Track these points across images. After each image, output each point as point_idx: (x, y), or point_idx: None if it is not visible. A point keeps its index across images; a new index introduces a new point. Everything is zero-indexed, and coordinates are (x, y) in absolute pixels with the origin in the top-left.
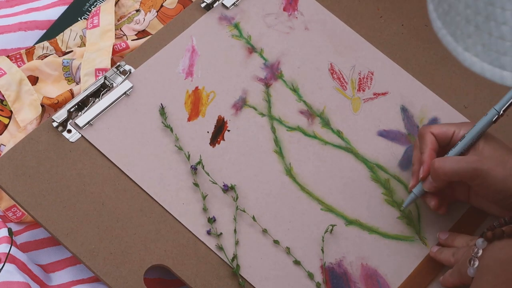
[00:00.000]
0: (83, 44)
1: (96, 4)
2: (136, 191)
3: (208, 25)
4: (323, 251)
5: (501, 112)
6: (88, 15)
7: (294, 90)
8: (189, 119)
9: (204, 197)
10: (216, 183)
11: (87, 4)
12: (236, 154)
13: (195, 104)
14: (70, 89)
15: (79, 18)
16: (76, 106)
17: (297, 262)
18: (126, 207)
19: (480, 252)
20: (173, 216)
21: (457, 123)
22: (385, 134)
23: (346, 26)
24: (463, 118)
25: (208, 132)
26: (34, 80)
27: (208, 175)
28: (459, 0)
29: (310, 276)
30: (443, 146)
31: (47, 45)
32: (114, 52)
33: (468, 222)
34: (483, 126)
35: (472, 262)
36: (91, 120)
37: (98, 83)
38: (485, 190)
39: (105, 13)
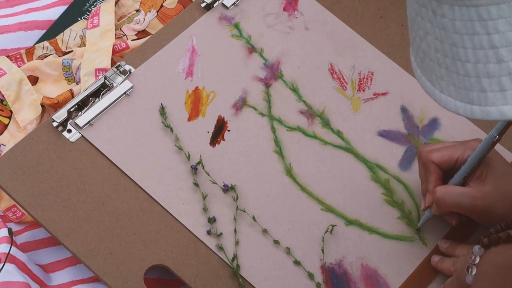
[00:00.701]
0: (83, 44)
1: (96, 4)
2: (136, 191)
3: (208, 25)
4: (323, 251)
5: (497, 137)
6: (88, 15)
7: (294, 90)
8: (189, 119)
9: (204, 197)
10: (216, 183)
11: (87, 4)
12: (236, 154)
13: (195, 104)
14: (70, 89)
15: (79, 18)
16: (76, 106)
17: (297, 262)
18: (126, 207)
19: (478, 259)
20: (173, 216)
21: (459, 144)
22: (385, 134)
23: (346, 26)
24: (463, 118)
25: (208, 132)
26: (34, 80)
27: (208, 175)
28: (430, 46)
29: (310, 276)
30: (448, 170)
31: (47, 45)
32: (114, 52)
33: (468, 223)
34: (483, 151)
35: (470, 270)
36: (91, 120)
37: (98, 83)
38: (483, 221)
39: (105, 13)
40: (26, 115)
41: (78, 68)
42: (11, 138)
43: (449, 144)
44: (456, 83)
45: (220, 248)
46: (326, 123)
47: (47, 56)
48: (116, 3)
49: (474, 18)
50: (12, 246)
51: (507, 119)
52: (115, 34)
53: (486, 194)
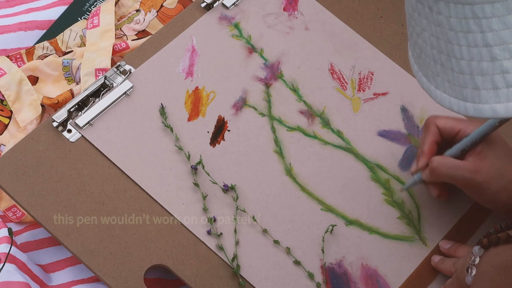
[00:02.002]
0: (83, 44)
1: (96, 4)
2: (136, 191)
3: (208, 25)
4: (323, 251)
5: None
6: (88, 15)
7: (294, 90)
8: (189, 119)
9: (204, 197)
10: (216, 183)
11: (87, 4)
12: (236, 154)
13: (195, 104)
14: (70, 89)
15: (79, 18)
16: (76, 106)
17: (297, 262)
18: (126, 207)
19: (477, 259)
20: (173, 216)
21: (466, 119)
22: (385, 134)
23: (346, 26)
24: (463, 118)
25: (208, 132)
26: (34, 80)
27: (208, 175)
28: (426, 43)
29: (310, 276)
30: (448, 139)
31: (47, 45)
32: (114, 52)
33: (469, 223)
34: (487, 129)
35: (469, 270)
36: (91, 120)
37: (98, 83)
38: (476, 197)
39: (105, 13)
40: (26, 115)
41: (78, 68)
42: (11, 138)
43: (458, 118)
44: (451, 79)
45: (220, 248)
46: (326, 123)
47: (47, 56)
48: (116, 3)
49: (469, 16)
50: (12, 246)
51: (499, 117)
52: (115, 34)
53: (482, 170)
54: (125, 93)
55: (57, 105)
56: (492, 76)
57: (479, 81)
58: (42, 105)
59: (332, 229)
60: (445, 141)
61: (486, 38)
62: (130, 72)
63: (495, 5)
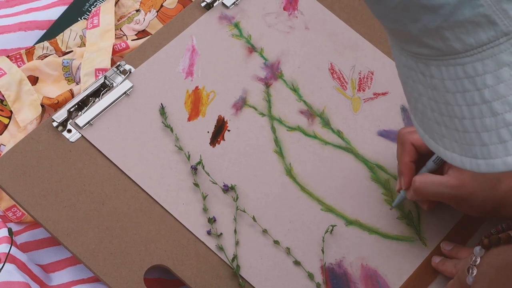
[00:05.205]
0: (83, 44)
1: (96, 4)
2: (136, 191)
3: (208, 25)
4: (323, 252)
5: None
6: (88, 15)
7: (294, 90)
8: (189, 119)
9: (204, 197)
10: (216, 183)
11: (87, 4)
12: (236, 154)
13: (195, 104)
14: (70, 89)
15: (79, 18)
16: (76, 106)
17: (297, 263)
18: (126, 207)
19: (478, 260)
20: (173, 216)
21: None
22: (385, 134)
23: (346, 26)
24: None
25: (208, 132)
26: (34, 80)
27: (208, 175)
28: (426, 107)
29: (310, 276)
30: (425, 154)
31: (47, 45)
32: (114, 52)
33: (469, 223)
34: None
35: (470, 271)
36: (91, 120)
37: (98, 83)
38: (462, 209)
39: (105, 13)
40: (26, 115)
41: (78, 68)
42: (11, 138)
43: None
44: (458, 139)
45: (220, 248)
46: (326, 123)
47: (47, 56)
48: (116, 3)
49: (462, 76)
50: (12, 246)
51: None
52: (115, 34)
53: (464, 183)
54: (125, 93)
55: (57, 105)
56: (497, 131)
57: (486, 138)
58: (42, 105)
59: (332, 229)
60: (422, 156)
61: (483, 95)
62: (130, 72)
63: (485, 62)
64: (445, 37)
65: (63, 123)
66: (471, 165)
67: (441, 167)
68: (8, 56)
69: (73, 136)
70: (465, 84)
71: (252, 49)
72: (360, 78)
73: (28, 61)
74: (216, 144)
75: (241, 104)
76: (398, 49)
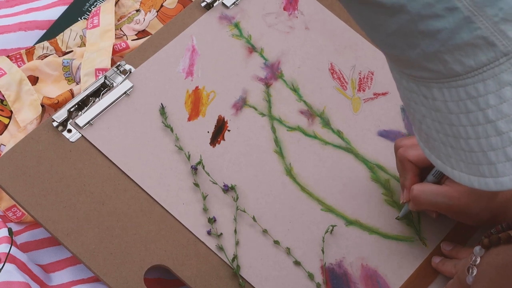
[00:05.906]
0: (83, 44)
1: (96, 4)
2: (136, 191)
3: (208, 25)
4: (323, 252)
5: None
6: (88, 15)
7: (294, 90)
8: (189, 119)
9: (204, 197)
10: (216, 183)
11: (87, 4)
12: (236, 154)
13: (195, 104)
14: (70, 89)
15: (79, 18)
16: (76, 106)
17: (297, 263)
18: (126, 207)
19: (478, 259)
20: (173, 216)
21: None
22: (385, 134)
23: (346, 26)
24: None
25: (208, 132)
26: (34, 80)
27: (208, 175)
28: (430, 128)
29: (310, 276)
30: (425, 167)
31: (47, 45)
32: (114, 52)
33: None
34: None
35: (470, 271)
36: (91, 120)
37: (98, 83)
38: (459, 219)
39: (105, 13)
40: (26, 115)
41: (78, 68)
42: (11, 138)
43: None
44: (464, 159)
45: (220, 248)
46: (326, 123)
47: (47, 56)
48: (116, 3)
49: (464, 97)
50: (12, 246)
51: None
52: (115, 34)
53: (462, 194)
54: (125, 93)
55: (57, 105)
56: (504, 149)
57: (493, 156)
58: (42, 105)
59: (332, 230)
60: (423, 169)
61: (487, 115)
62: (130, 72)
63: (486, 82)
64: (444, 61)
65: (63, 123)
66: (479, 183)
67: (440, 180)
68: (8, 56)
69: (73, 136)
70: (468, 105)
71: (252, 49)
72: (360, 78)
73: (28, 61)
74: (216, 144)
75: (241, 104)
76: (398, 72)
